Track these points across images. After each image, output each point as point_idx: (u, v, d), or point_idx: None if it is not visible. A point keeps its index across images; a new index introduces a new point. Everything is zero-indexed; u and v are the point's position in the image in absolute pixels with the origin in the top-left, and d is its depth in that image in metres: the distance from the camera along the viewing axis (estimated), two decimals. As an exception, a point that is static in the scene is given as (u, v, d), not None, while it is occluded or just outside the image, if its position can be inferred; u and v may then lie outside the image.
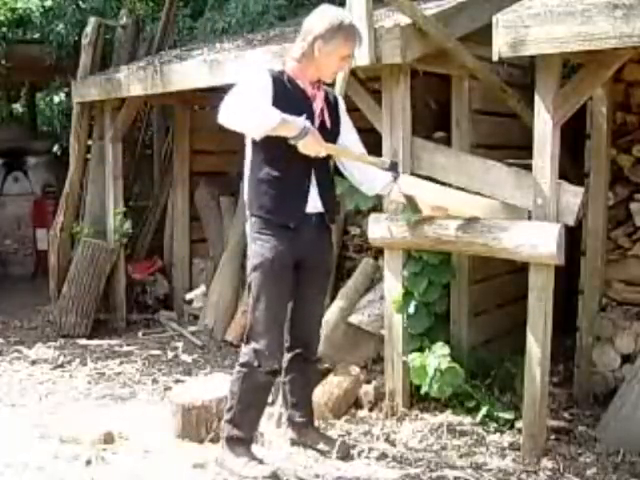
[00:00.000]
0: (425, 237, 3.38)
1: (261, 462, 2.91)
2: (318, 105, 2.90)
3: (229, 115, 2.67)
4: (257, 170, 2.86)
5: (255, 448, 3.02)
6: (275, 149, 2.75)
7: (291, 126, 2.67)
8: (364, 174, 3.07)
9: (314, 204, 2.91)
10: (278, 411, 3.39)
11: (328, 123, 2.93)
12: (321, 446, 3.15)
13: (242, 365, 2.91)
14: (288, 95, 2.80)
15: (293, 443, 3.22)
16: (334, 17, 2.80)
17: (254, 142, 2.83)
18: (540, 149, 3.05)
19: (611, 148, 3.74)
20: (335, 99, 3.06)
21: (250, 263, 2.91)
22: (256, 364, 2.86)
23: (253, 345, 2.88)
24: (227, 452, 2.94)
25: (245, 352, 2.91)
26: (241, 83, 2.76)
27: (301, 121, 2.69)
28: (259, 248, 2.88)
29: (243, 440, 2.93)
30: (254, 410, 2.95)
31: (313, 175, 2.90)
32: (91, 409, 3.88)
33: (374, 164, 3.00)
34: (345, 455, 3.12)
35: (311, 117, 2.84)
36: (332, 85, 3.20)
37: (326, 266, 3.16)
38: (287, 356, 3.12)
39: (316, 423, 3.33)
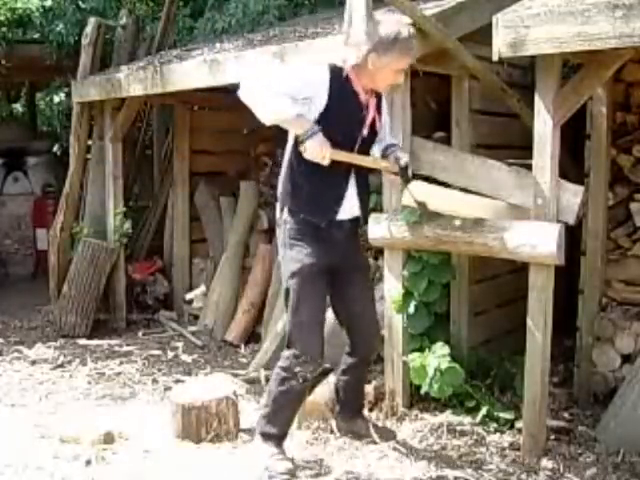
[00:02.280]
0: (425, 237, 3.38)
1: (286, 457, 2.97)
2: (370, 115, 2.89)
3: (250, 91, 2.67)
4: (297, 166, 2.86)
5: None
6: None
7: (302, 122, 2.68)
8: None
9: (351, 207, 2.92)
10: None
11: (372, 132, 2.93)
12: (364, 433, 3.25)
13: (283, 369, 2.94)
14: (343, 97, 2.77)
15: (340, 430, 3.33)
16: (390, 29, 2.72)
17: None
18: (540, 149, 3.05)
19: (611, 148, 3.73)
20: (381, 101, 3.01)
21: (286, 269, 2.92)
22: (297, 369, 2.89)
23: (293, 351, 2.91)
24: (259, 442, 3.02)
25: (286, 356, 2.94)
26: (293, 69, 2.78)
27: (311, 123, 2.70)
28: (296, 254, 2.88)
29: (275, 436, 2.99)
30: (288, 411, 3.01)
31: (352, 177, 2.91)
32: (91, 409, 3.88)
33: (385, 168, 3.01)
34: (391, 438, 3.25)
35: (360, 125, 2.85)
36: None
37: (363, 265, 3.19)
38: (348, 360, 3.19)
39: (365, 412, 3.44)
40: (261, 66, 2.69)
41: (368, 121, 2.89)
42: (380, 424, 3.46)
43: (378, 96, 2.97)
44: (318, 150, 2.71)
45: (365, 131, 2.89)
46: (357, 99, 2.85)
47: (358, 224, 3.04)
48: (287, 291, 2.93)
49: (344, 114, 2.78)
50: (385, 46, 2.72)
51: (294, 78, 2.73)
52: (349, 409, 3.33)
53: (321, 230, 2.89)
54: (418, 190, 3.19)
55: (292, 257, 2.90)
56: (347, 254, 3.00)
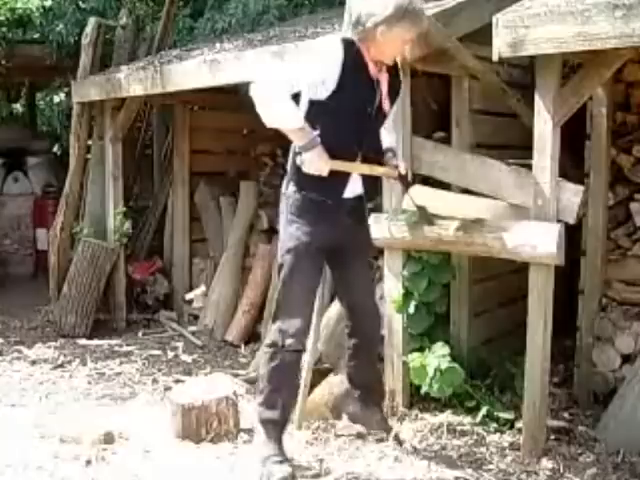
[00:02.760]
0: (425, 237, 3.37)
1: (285, 460, 2.89)
2: (383, 89, 2.85)
3: (259, 91, 2.66)
4: None
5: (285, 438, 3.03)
6: (325, 123, 2.74)
7: (304, 134, 2.68)
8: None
9: (354, 186, 2.90)
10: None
11: (385, 108, 2.90)
12: (377, 427, 3.25)
13: (269, 345, 2.92)
14: (354, 71, 2.75)
15: (351, 418, 3.31)
16: (400, 0, 2.70)
17: (306, 112, 2.78)
18: (540, 149, 3.05)
19: (611, 148, 3.74)
20: (397, 82, 2.98)
21: (283, 245, 2.91)
22: (281, 343, 2.86)
23: (278, 325, 2.89)
24: (261, 435, 2.95)
25: (272, 331, 2.92)
26: (309, 59, 2.78)
27: (312, 135, 2.70)
28: (294, 231, 2.87)
29: (276, 422, 2.91)
30: (285, 390, 2.94)
31: (360, 153, 2.88)
32: (91, 409, 3.88)
33: (384, 174, 3.00)
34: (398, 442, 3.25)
35: (372, 98, 2.82)
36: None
37: (366, 249, 3.17)
38: (350, 342, 3.17)
39: (384, 409, 3.44)
40: (274, 64, 2.70)
41: (382, 95, 2.86)
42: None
43: (390, 73, 2.91)
44: (316, 163, 2.71)
45: (377, 104, 2.85)
46: (367, 72, 2.82)
47: (362, 204, 3.00)
48: (280, 265, 2.92)
49: (356, 87, 2.76)
50: (396, 18, 2.70)
51: (308, 71, 2.73)
52: (365, 395, 3.24)
53: (325, 207, 2.85)
54: (418, 194, 3.18)
55: (290, 233, 2.88)
56: (352, 235, 2.98)
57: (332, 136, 2.75)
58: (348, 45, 2.76)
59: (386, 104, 2.90)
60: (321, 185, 2.83)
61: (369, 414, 3.26)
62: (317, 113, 2.76)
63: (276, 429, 2.91)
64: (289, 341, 2.86)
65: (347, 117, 2.78)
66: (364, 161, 2.90)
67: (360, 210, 3.02)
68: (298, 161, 2.75)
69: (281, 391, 2.93)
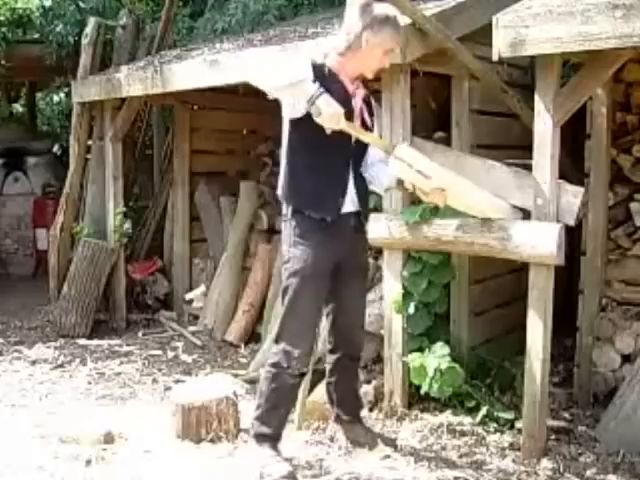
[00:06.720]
0: (425, 237, 3.38)
1: (283, 459, 2.94)
2: (358, 103, 2.90)
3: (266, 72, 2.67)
4: (295, 162, 2.85)
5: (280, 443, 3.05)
6: (314, 138, 2.74)
7: (312, 85, 2.61)
8: (370, 173, 3.05)
9: (351, 200, 2.92)
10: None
11: (368, 122, 2.94)
12: (364, 440, 3.20)
13: (272, 365, 2.94)
14: (329, 87, 2.75)
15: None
16: (381, 9, 2.82)
17: (291, 130, 2.81)
18: (540, 149, 3.05)
19: (611, 148, 3.73)
20: (370, 101, 3.04)
21: (289, 266, 2.90)
22: (286, 365, 2.89)
23: (284, 346, 2.90)
24: (254, 445, 2.99)
25: (275, 352, 2.93)
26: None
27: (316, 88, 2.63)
28: (300, 253, 2.87)
29: (270, 437, 2.97)
30: (282, 409, 2.99)
31: (351, 168, 2.91)
32: (91, 409, 3.88)
33: (380, 145, 2.93)
34: (394, 447, 3.19)
35: (351, 113, 2.85)
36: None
37: (364, 267, 3.19)
38: (332, 357, 3.18)
39: (363, 417, 3.38)
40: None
41: (357, 110, 2.89)
42: (380, 425, 3.47)
43: (366, 94, 2.97)
44: (331, 107, 2.61)
45: (357, 121, 2.88)
46: (343, 89, 2.85)
47: (360, 219, 3.01)
48: (286, 288, 2.92)
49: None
50: (380, 22, 2.79)
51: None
52: (346, 413, 3.27)
53: (328, 226, 2.87)
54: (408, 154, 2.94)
55: (295, 256, 2.88)
56: (352, 251, 2.99)
57: (319, 152, 2.76)
58: (317, 67, 2.78)
59: (365, 118, 2.92)
60: (317, 200, 2.84)
61: (352, 433, 3.24)
62: (299, 131, 2.78)
63: (270, 442, 2.96)
64: (294, 364, 2.89)
65: (328, 133, 2.76)
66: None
67: (359, 227, 3.02)
68: (313, 111, 2.64)
69: (278, 410, 2.97)
